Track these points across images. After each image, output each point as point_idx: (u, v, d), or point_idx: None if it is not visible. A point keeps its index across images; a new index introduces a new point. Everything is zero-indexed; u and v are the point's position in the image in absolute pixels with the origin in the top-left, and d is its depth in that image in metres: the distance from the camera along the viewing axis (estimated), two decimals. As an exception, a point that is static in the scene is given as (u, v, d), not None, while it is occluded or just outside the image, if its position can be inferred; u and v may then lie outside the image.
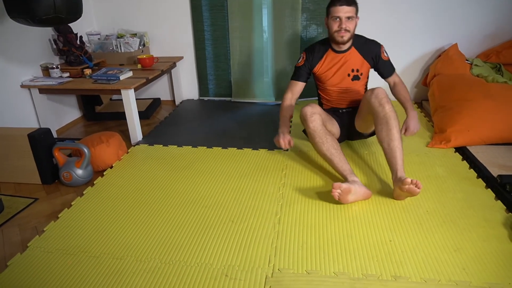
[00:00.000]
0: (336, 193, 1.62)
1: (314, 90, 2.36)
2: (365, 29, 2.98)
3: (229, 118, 2.90)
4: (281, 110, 2.20)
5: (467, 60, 2.76)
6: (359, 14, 1.99)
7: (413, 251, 1.40)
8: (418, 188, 1.56)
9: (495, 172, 1.86)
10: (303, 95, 3.25)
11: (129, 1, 3.09)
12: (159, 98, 3.40)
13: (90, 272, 1.34)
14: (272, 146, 2.35)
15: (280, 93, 3.19)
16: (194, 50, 3.20)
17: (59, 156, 1.99)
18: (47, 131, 2.00)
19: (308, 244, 1.45)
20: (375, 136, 2.20)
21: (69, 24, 2.66)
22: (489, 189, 1.79)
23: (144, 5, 3.09)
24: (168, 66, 2.91)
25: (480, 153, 2.07)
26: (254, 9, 2.93)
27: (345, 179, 1.77)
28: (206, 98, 3.39)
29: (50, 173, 2.01)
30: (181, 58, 3.22)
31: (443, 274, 1.29)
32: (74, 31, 2.71)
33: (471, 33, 2.91)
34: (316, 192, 1.82)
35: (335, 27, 1.94)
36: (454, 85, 2.45)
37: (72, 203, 1.78)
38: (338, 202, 1.72)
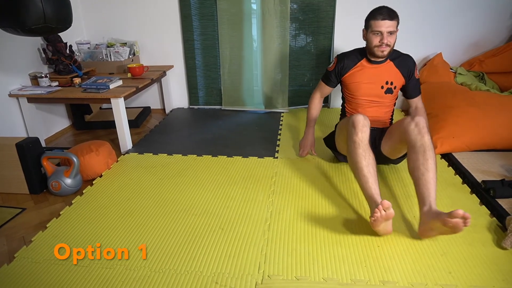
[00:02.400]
0: (379, 213, 1.38)
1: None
2: (352, 41, 3.04)
3: (219, 126, 2.92)
4: (308, 110, 2.24)
5: (451, 68, 2.83)
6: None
7: (401, 256, 1.42)
8: (466, 225, 1.30)
9: (479, 177, 1.91)
10: (300, 102, 3.29)
11: (119, 11, 3.11)
12: (149, 107, 3.40)
13: (80, 281, 1.33)
14: (262, 153, 2.37)
15: (269, 101, 3.22)
16: (184, 59, 3.22)
17: (47, 165, 1.98)
18: (36, 140, 1.99)
19: (298, 250, 1.47)
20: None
21: (58, 33, 2.66)
22: (473, 195, 1.83)
23: (134, 15, 3.11)
24: (158, 75, 2.92)
25: (465, 159, 2.12)
26: (244, 18, 2.97)
27: (373, 205, 1.51)
28: (196, 107, 3.40)
29: (38, 183, 1.99)
30: (171, 67, 3.24)
31: (430, 278, 1.31)
32: (63, 40, 2.71)
33: (455, 42, 2.99)
34: (305, 199, 1.83)
35: (375, 41, 1.85)
36: (439, 93, 2.51)
37: (60, 213, 1.77)
38: (327, 209, 1.74)
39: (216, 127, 2.90)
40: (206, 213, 1.73)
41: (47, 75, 2.55)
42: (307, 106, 2.34)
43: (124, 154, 2.42)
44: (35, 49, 2.66)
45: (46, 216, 1.78)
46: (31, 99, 2.44)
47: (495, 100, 2.28)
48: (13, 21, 1.74)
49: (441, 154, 2.26)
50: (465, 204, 1.75)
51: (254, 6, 2.96)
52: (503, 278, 1.30)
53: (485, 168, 2.01)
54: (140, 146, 2.55)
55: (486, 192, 1.77)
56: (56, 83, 2.57)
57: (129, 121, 2.63)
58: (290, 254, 1.44)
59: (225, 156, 2.35)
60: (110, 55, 2.99)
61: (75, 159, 1.95)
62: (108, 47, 3.03)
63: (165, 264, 1.40)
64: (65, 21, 1.87)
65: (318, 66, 3.16)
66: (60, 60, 2.65)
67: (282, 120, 3.01)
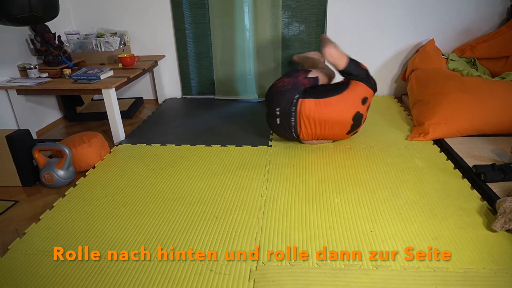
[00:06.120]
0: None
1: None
2: (344, 28, 3.03)
3: (212, 115, 2.90)
4: None
5: (443, 55, 2.83)
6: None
7: (393, 240, 1.44)
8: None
9: (470, 162, 1.93)
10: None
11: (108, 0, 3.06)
12: (141, 98, 3.37)
13: (74, 272, 1.33)
14: (256, 142, 2.37)
15: (263, 90, 3.21)
16: (176, 48, 3.19)
17: (39, 157, 1.96)
18: (26, 132, 1.96)
19: (292, 237, 1.48)
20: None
21: (46, 24, 2.61)
22: (465, 179, 1.85)
23: (124, 3, 3.06)
24: (149, 64, 2.89)
25: (456, 145, 2.13)
26: (236, 7, 2.94)
27: None
28: (189, 97, 3.38)
29: (30, 175, 1.98)
30: (163, 56, 3.20)
31: (422, 262, 1.33)
32: (51, 30, 2.66)
33: (447, 28, 2.99)
34: (299, 186, 1.84)
35: None
36: (431, 79, 2.51)
37: (54, 205, 1.76)
38: (320, 196, 1.75)
39: (209, 116, 2.89)
40: (200, 202, 1.74)
41: (36, 66, 2.51)
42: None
43: (117, 145, 2.41)
44: (23, 40, 2.61)
45: (39, 208, 1.77)
46: (21, 91, 2.41)
47: (486, 85, 2.29)
48: (-1, 11, 1.71)
49: (433, 140, 2.27)
50: (457, 188, 1.77)
51: (245, -6, 2.92)
52: (492, 260, 1.32)
53: (476, 153, 2.03)
54: (133, 137, 2.53)
55: (477, 177, 1.79)
56: (46, 75, 2.53)
57: (122, 112, 2.61)
58: (284, 241, 1.46)
59: (219, 145, 2.34)
60: (100, 45, 2.95)
61: (67, 151, 1.93)
62: (98, 37, 2.98)
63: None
64: (52, 10, 1.84)
65: (310, 54, 3.14)
66: (49, 51, 2.60)
67: (275, 109, 3.00)
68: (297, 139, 2.25)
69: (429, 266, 1.31)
